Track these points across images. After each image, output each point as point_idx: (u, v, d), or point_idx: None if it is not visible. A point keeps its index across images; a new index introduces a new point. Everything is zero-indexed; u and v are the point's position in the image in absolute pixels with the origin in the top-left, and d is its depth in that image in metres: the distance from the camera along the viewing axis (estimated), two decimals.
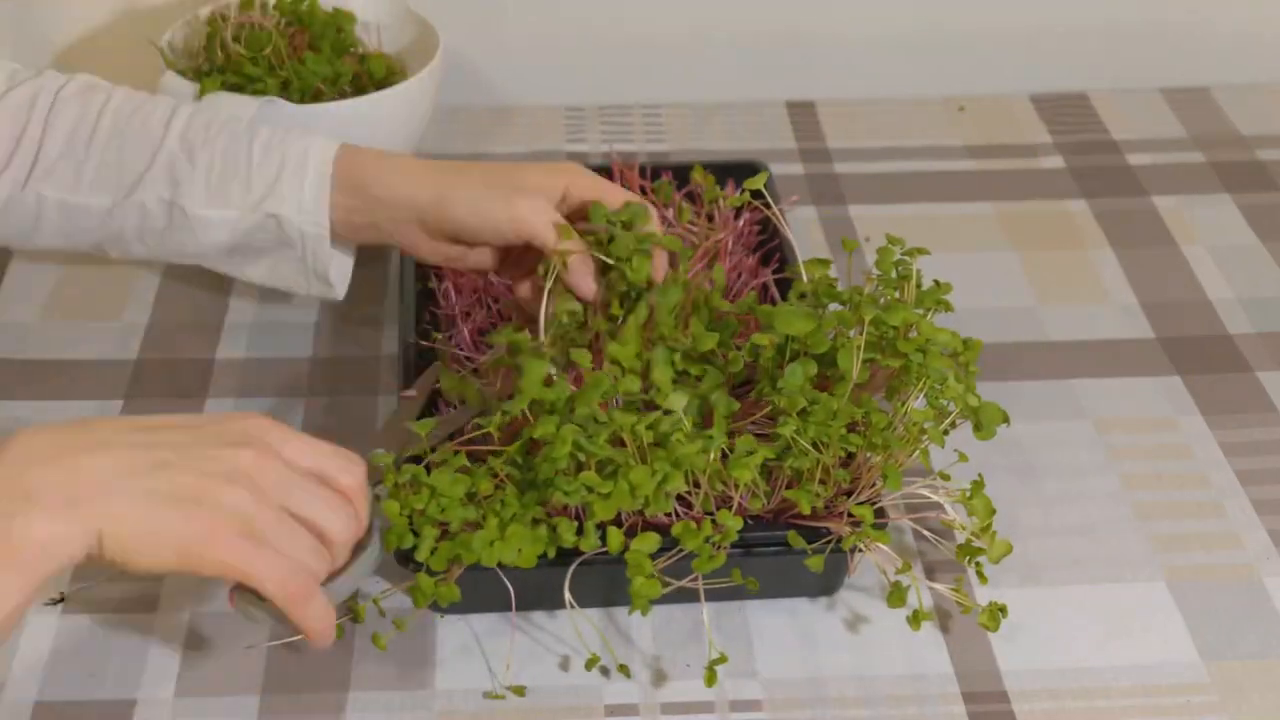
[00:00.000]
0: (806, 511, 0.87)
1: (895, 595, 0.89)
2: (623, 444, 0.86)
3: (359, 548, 0.80)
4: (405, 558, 0.86)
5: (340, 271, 1.01)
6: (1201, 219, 1.28)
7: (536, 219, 0.93)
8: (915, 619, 0.88)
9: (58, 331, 1.13)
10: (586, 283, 0.93)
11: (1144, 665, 0.90)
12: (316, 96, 1.18)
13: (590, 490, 0.84)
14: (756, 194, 1.04)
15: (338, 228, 0.97)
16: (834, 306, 0.97)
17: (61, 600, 0.92)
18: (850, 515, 0.88)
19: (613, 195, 0.96)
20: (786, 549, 0.88)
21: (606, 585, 0.91)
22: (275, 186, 0.95)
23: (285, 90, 1.18)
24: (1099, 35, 1.46)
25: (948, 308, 0.96)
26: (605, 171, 1.18)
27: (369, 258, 1.21)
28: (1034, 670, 0.89)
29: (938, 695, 0.88)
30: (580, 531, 0.86)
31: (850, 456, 0.90)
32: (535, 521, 0.86)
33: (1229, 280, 1.21)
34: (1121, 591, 0.94)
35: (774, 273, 1.10)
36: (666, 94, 1.43)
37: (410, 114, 1.21)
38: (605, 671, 0.88)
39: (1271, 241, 1.25)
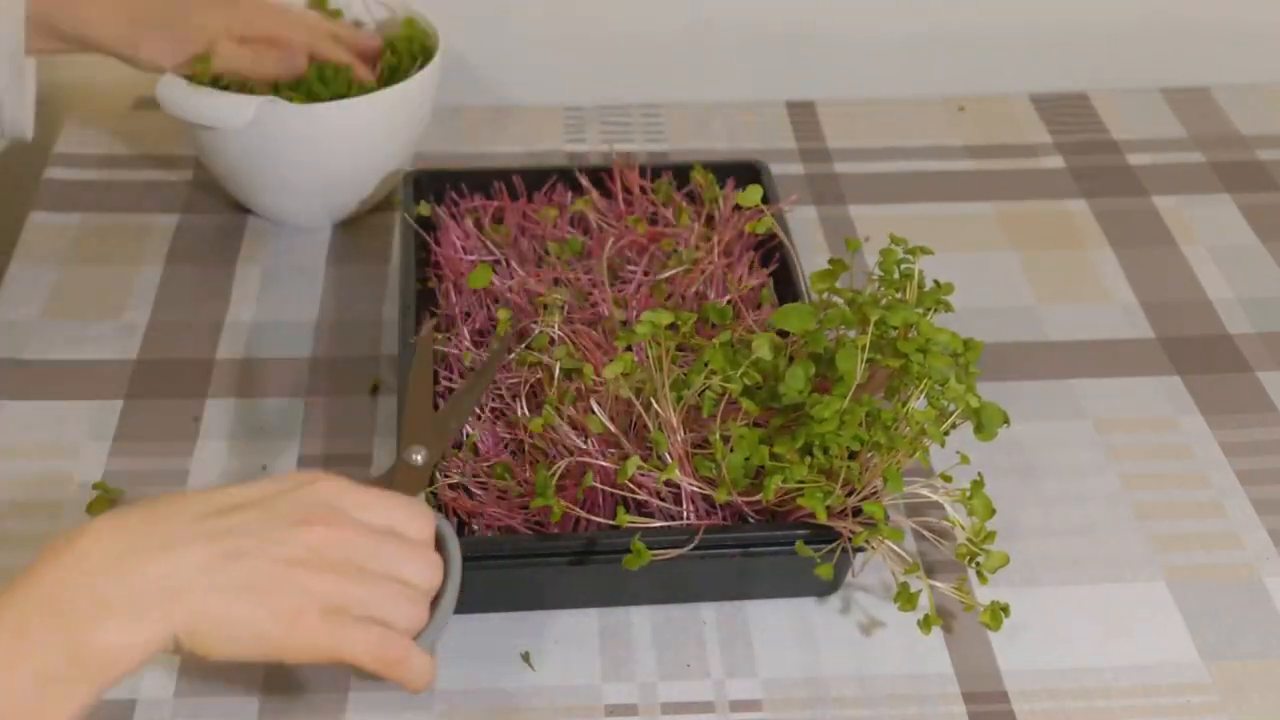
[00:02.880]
0: (823, 518, 0.86)
1: (905, 599, 0.89)
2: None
3: (437, 594, 0.78)
4: None
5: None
6: (1201, 219, 1.28)
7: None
8: (926, 623, 0.88)
9: (58, 331, 1.13)
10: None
11: (1144, 665, 0.90)
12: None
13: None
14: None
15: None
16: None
17: None
18: (857, 514, 0.88)
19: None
20: (788, 549, 0.88)
21: (606, 585, 0.91)
22: None
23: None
24: (1099, 35, 1.46)
25: (948, 308, 0.96)
26: (605, 172, 1.18)
27: (370, 257, 1.21)
28: (1034, 670, 0.89)
29: (938, 695, 0.88)
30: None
31: (853, 455, 0.90)
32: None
33: (1229, 280, 1.21)
34: (1121, 591, 0.94)
35: (773, 273, 1.10)
36: (666, 94, 1.43)
37: (410, 114, 1.21)
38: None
39: (1271, 241, 1.25)
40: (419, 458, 0.87)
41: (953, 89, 1.45)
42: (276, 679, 0.88)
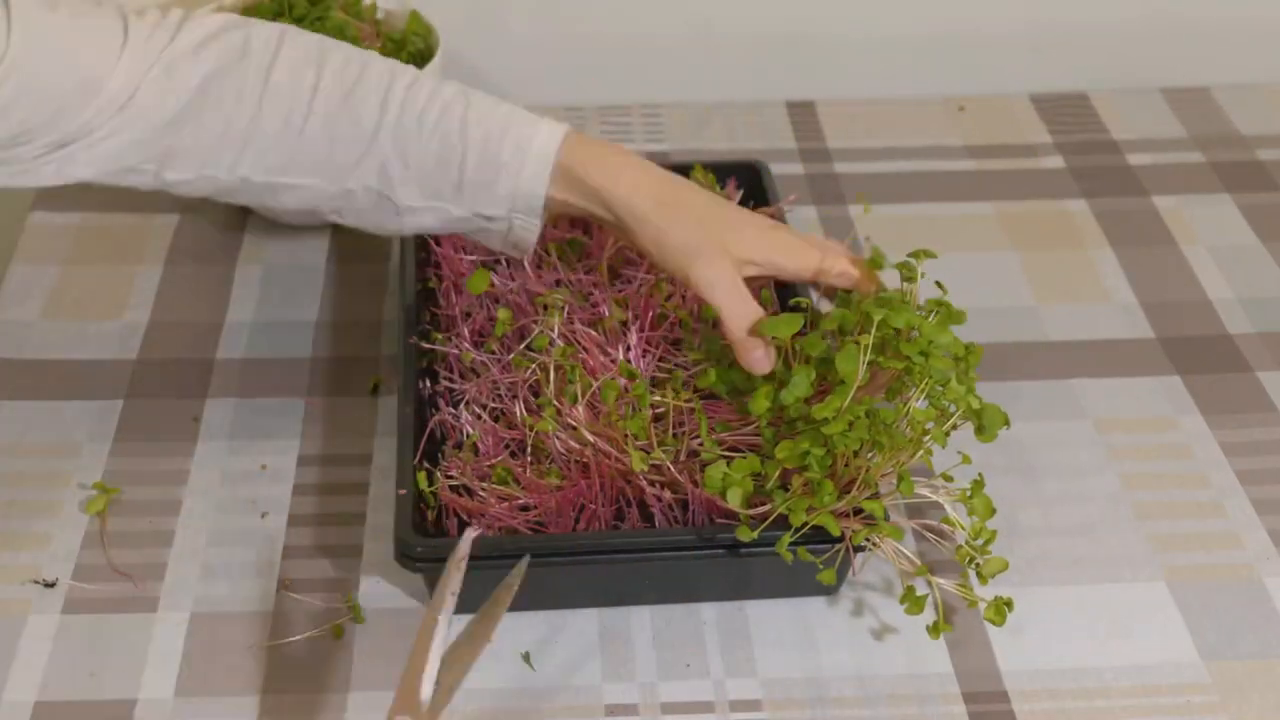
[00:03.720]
0: (796, 524, 0.86)
1: (913, 602, 0.89)
2: None
3: None
4: (406, 557, 0.87)
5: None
6: (1201, 219, 1.28)
7: (715, 292, 0.92)
8: (935, 630, 0.88)
9: (58, 331, 1.13)
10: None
11: (1144, 665, 0.90)
12: None
13: None
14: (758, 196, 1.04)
15: (550, 210, 0.95)
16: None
17: (53, 585, 0.93)
18: (858, 513, 0.88)
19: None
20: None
21: (606, 585, 0.91)
22: (490, 192, 0.93)
23: None
24: (1099, 35, 1.46)
25: (959, 319, 0.94)
26: None
27: (370, 257, 1.21)
28: (1034, 670, 0.89)
29: (938, 695, 0.88)
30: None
31: (854, 454, 0.90)
32: None
33: (1229, 280, 1.21)
34: (1121, 591, 0.94)
35: None
36: (666, 94, 1.43)
37: None
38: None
39: (1271, 241, 1.25)
40: None
41: (953, 89, 1.45)
42: (277, 679, 0.88)
